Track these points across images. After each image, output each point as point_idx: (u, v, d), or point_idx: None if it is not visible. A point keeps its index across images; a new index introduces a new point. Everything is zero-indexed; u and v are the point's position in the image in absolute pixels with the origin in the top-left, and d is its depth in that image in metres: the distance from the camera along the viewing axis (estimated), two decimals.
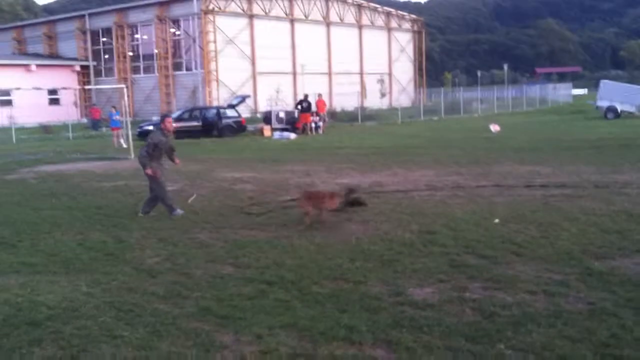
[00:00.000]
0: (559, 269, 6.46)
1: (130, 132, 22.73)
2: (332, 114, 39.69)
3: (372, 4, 56.49)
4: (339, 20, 52.58)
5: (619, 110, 35.01)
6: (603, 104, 36.51)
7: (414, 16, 63.51)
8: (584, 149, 19.22)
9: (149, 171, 10.12)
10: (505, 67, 78.44)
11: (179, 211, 10.25)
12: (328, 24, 51.58)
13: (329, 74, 51.02)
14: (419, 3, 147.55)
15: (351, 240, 8.06)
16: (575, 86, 72.90)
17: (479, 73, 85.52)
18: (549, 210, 9.60)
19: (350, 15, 53.94)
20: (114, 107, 28.56)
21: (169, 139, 10.49)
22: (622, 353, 4.40)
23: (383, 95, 53.16)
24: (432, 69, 67.71)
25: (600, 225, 8.42)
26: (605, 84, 38.97)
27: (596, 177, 12.91)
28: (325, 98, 38.59)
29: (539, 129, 29.53)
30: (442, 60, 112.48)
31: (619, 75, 57.50)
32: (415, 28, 62.03)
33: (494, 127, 28.29)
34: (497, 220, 8.90)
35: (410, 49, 61.11)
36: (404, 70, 59.81)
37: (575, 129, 28.15)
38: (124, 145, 24.02)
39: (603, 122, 31.92)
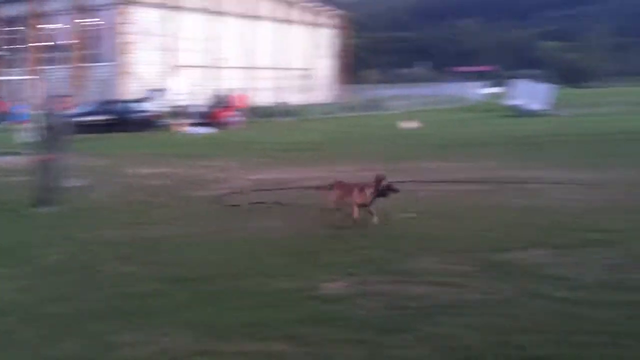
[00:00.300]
0: (465, 261, 6.61)
1: (38, 126, 21.65)
2: (252, 109, 39.37)
3: None
4: (262, 14, 52.23)
5: (530, 109, 36.33)
6: (516, 102, 37.89)
7: (338, 12, 63.88)
8: (496, 145, 19.89)
9: (40, 157, 9.63)
10: (426, 65, 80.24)
11: (49, 209, 9.61)
12: (251, 18, 51.15)
13: (250, 68, 50.60)
14: None
15: (265, 236, 7.97)
16: (492, 85, 75.45)
17: (400, 70, 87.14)
18: (460, 205, 9.82)
19: (274, 10, 53.69)
20: (22, 99, 27.26)
21: (63, 120, 9.98)
22: (520, 340, 4.54)
23: (304, 90, 53.27)
24: (355, 65, 68.36)
25: (506, 219, 8.66)
26: (518, 82, 40.53)
27: (506, 173, 13.31)
28: (245, 93, 38.29)
29: (456, 126, 30.35)
30: (365, 56, 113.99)
31: (533, 75, 59.90)
32: (340, 24, 62.42)
33: (409, 124, 28.90)
34: (409, 215, 9.01)
35: (333, 45, 61.45)
36: (327, 66, 60.15)
37: (490, 127, 29.08)
38: (31, 140, 22.91)
39: (515, 120, 33.05)
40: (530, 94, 37.83)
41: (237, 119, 30.82)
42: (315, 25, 58.91)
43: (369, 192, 8.38)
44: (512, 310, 5.16)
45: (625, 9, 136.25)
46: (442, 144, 20.58)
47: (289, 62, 54.77)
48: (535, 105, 36.60)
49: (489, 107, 45.74)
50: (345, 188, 8.74)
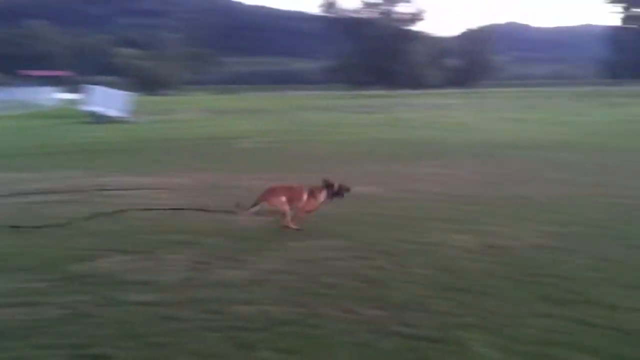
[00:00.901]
0: (42, 277, 6.25)
1: None
2: None
3: None
4: None
5: (108, 115, 36.32)
6: (93, 108, 37.40)
7: None
8: (74, 153, 19.29)
9: None
10: None
11: None
12: None
13: None
14: None
15: None
16: (66, 90, 72.73)
17: None
18: (49, 216, 9.16)
19: None
20: None
21: None
22: (96, 352, 4.54)
23: None
24: None
25: (85, 229, 8.45)
26: (94, 89, 40.01)
27: (86, 182, 12.97)
28: None
29: (27, 133, 28.43)
30: None
31: (110, 82, 59.67)
32: None
33: None
34: None
35: None
36: None
37: (66, 134, 28.02)
38: None
39: (93, 127, 32.51)
40: (107, 100, 37.83)
41: None
42: None
43: (322, 196, 8.14)
44: (94, 321, 5.12)
45: (195, 22, 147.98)
46: (12, 153, 19.08)
47: None
48: (112, 112, 36.77)
49: (64, 113, 43.99)
50: (291, 192, 8.10)
